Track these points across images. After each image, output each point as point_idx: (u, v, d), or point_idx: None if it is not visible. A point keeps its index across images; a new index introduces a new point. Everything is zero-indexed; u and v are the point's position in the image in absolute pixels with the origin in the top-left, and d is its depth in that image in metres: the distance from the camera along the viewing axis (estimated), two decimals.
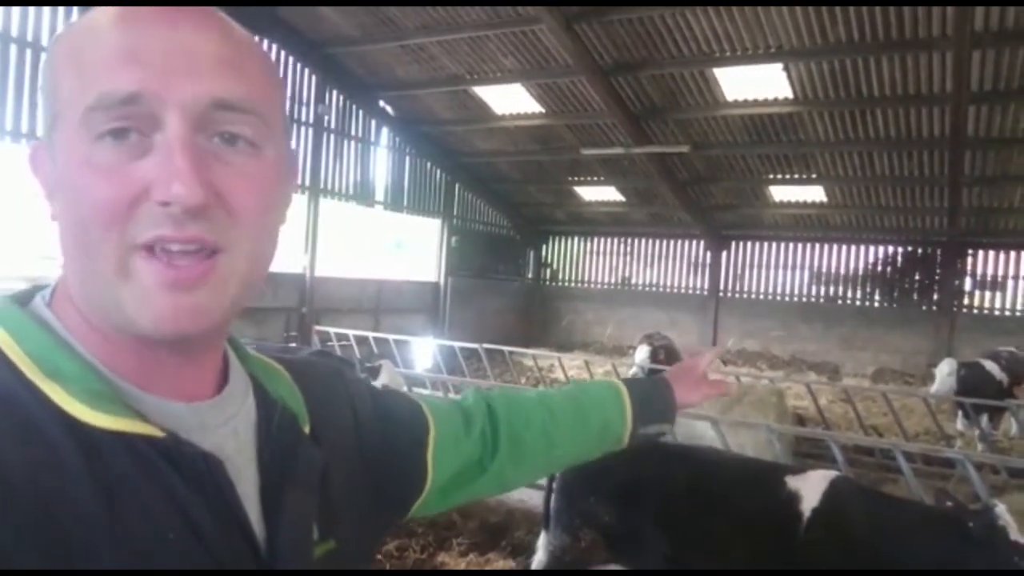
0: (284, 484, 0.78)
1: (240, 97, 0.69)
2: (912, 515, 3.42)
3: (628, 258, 20.59)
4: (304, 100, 14.30)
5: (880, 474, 7.31)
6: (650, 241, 20.23)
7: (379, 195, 16.59)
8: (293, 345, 11.31)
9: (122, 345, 0.70)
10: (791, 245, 18.56)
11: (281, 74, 0.79)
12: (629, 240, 20.48)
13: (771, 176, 15.53)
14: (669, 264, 20.06)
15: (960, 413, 9.46)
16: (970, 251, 16.66)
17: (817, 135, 13.40)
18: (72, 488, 0.62)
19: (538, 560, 4.24)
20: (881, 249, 17.64)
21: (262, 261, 0.74)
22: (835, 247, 18.10)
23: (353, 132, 15.61)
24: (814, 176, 15.08)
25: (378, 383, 6.43)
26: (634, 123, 13.87)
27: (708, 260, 19.31)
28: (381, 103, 15.95)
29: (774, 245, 18.72)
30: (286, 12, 12.48)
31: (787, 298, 18.63)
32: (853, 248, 17.93)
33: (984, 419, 9.15)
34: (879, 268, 17.71)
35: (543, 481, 4.28)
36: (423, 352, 13.61)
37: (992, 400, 8.93)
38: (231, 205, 0.68)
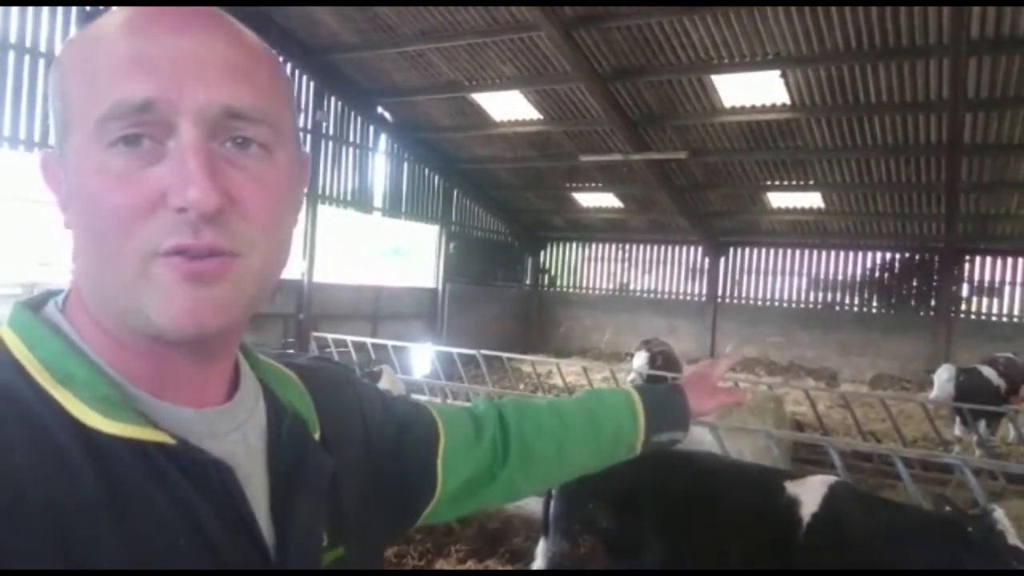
0: (294, 491, 0.78)
1: (251, 106, 0.69)
2: (911, 520, 3.42)
3: (626, 264, 20.61)
4: (302, 106, 14.31)
5: (879, 480, 7.31)
6: (648, 247, 20.25)
7: (377, 201, 16.60)
8: (291, 352, 11.30)
9: (136, 351, 0.70)
10: (789, 251, 18.59)
11: None
12: (627, 246, 20.50)
13: (769, 182, 15.56)
14: (667, 270, 20.08)
15: (958, 419, 9.47)
16: (967, 257, 16.70)
17: (815, 142, 13.44)
18: (83, 494, 0.62)
19: (537, 567, 4.24)
20: (879, 255, 17.68)
21: (276, 264, 0.75)
22: (833, 253, 18.13)
23: (351, 138, 15.63)
24: (812, 183, 15.11)
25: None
26: (632, 130, 13.91)
27: (706, 266, 19.33)
28: (379, 109, 15.98)
29: (772, 251, 18.74)
30: (284, 18, 12.51)
31: (785, 304, 18.65)
32: (851, 254, 17.96)
33: (982, 425, 9.16)
34: (877, 274, 17.74)
35: None
36: (421, 358, 13.60)
37: (990, 406, 8.94)
38: (245, 209, 0.68)
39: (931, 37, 10.08)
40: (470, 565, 5.21)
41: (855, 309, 17.93)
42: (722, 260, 19.14)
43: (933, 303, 16.90)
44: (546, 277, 21.66)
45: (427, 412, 1.10)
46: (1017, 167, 13.02)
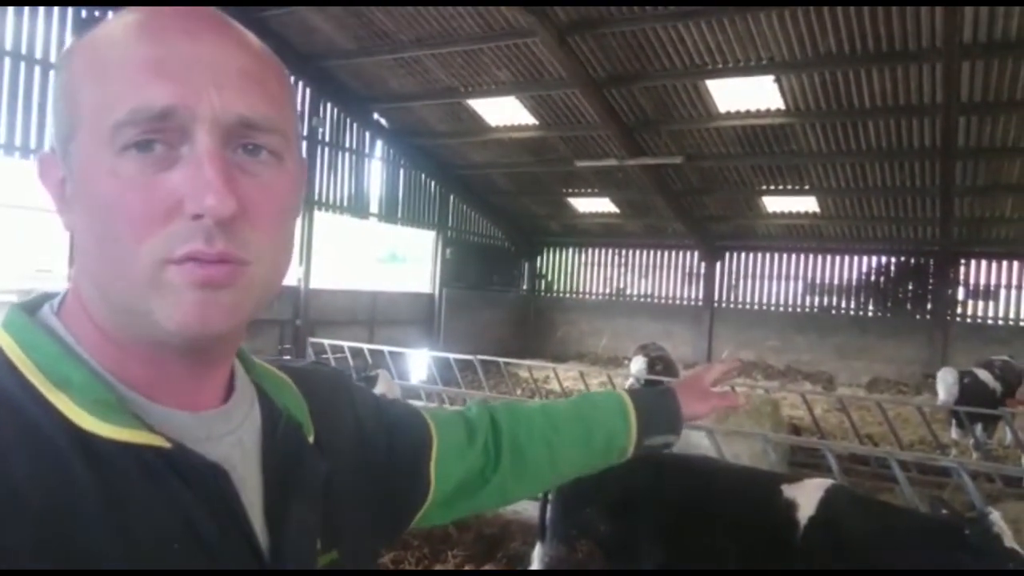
0: (288, 494, 0.78)
1: (264, 114, 0.69)
2: (907, 523, 3.43)
3: (622, 269, 20.62)
4: (298, 112, 14.29)
5: (875, 483, 7.31)
6: (644, 252, 20.27)
7: (373, 207, 16.59)
8: (287, 358, 11.22)
9: (134, 354, 0.70)
10: (785, 255, 18.62)
11: None
12: (623, 251, 20.52)
13: (764, 187, 15.61)
14: (663, 275, 20.09)
15: (954, 422, 9.48)
16: (962, 260, 16.74)
17: (809, 146, 13.48)
18: (79, 497, 0.62)
19: None
20: (874, 259, 17.71)
21: (281, 271, 0.75)
22: (828, 257, 18.17)
23: (347, 144, 15.64)
24: (807, 187, 15.16)
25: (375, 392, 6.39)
26: (627, 135, 13.94)
27: (702, 271, 19.36)
28: (375, 115, 15.98)
29: (768, 255, 18.78)
30: (279, 24, 12.52)
31: (781, 308, 18.68)
32: (846, 258, 18.00)
33: (978, 428, 9.17)
34: (872, 278, 17.78)
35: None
36: (418, 364, 13.59)
37: (986, 409, 8.95)
38: (255, 218, 0.69)
39: (924, 41, 10.13)
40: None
41: (851, 313, 17.96)
42: (718, 264, 19.17)
43: (929, 307, 16.95)
44: (543, 282, 21.66)
45: (420, 416, 1.10)
46: (1011, 170, 13.07)
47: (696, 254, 19.35)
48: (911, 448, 9.22)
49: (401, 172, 17.16)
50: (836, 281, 18.14)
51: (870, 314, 17.74)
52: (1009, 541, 3.08)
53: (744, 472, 4.36)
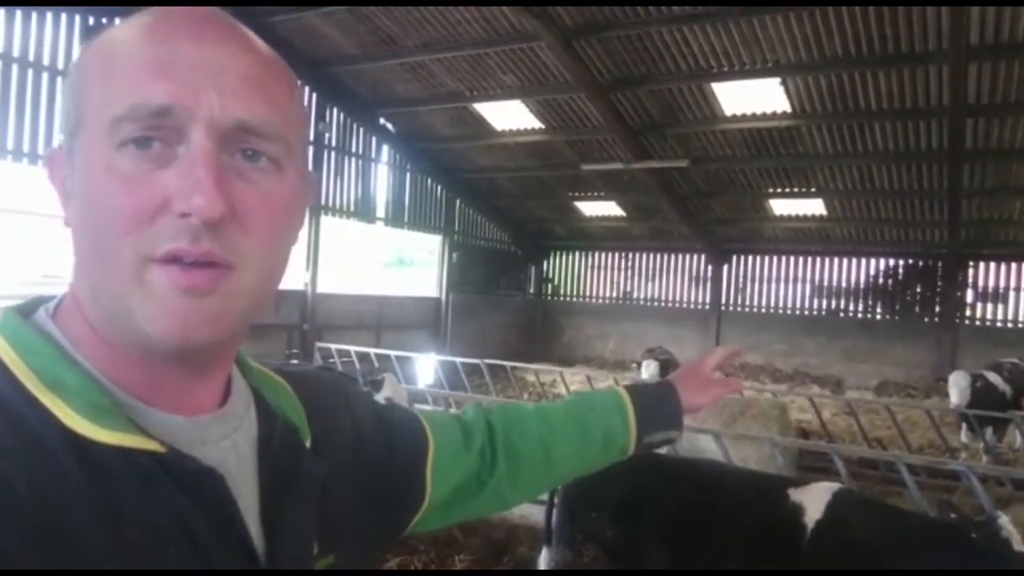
0: (285, 499, 0.78)
1: (264, 121, 0.69)
2: (915, 526, 3.41)
3: (629, 272, 20.59)
4: (306, 120, 14.34)
5: (884, 487, 7.27)
6: (651, 255, 20.23)
7: (380, 212, 16.63)
8: (295, 362, 11.31)
9: (129, 358, 0.70)
10: (792, 258, 18.56)
11: None
12: (630, 255, 20.49)
13: (771, 190, 15.57)
14: (670, 278, 20.05)
15: (964, 426, 9.42)
16: (971, 263, 16.65)
17: (816, 149, 13.45)
18: (73, 501, 0.62)
19: None
20: (882, 262, 17.64)
21: (272, 279, 0.74)
22: (836, 260, 18.09)
23: (354, 149, 15.69)
24: (814, 189, 15.12)
25: (380, 396, 6.41)
26: (633, 138, 13.94)
27: (709, 274, 19.31)
28: (381, 120, 16.03)
29: (775, 258, 18.72)
30: (286, 30, 12.58)
31: (789, 311, 18.61)
32: (854, 261, 17.92)
33: (988, 431, 9.11)
34: (880, 281, 17.70)
35: (545, 496, 4.27)
36: (425, 368, 13.60)
37: (996, 412, 8.89)
38: (246, 222, 0.68)
39: (931, 43, 10.09)
40: None
41: (859, 316, 17.88)
42: (725, 268, 19.13)
43: (937, 309, 16.86)
44: (549, 286, 21.65)
45: (417, 420, 1.09)
46: (1019, 172, 13.00)
47: (703, 257, 19.31)
48: (920, 452, 9.17)
49: (407, 176, 17.19)
50: (844, 284, 18.07)
51: (878, 317, 17.66)
52: (1018, 545, 3.05)
53: (751, 476, 4.34)
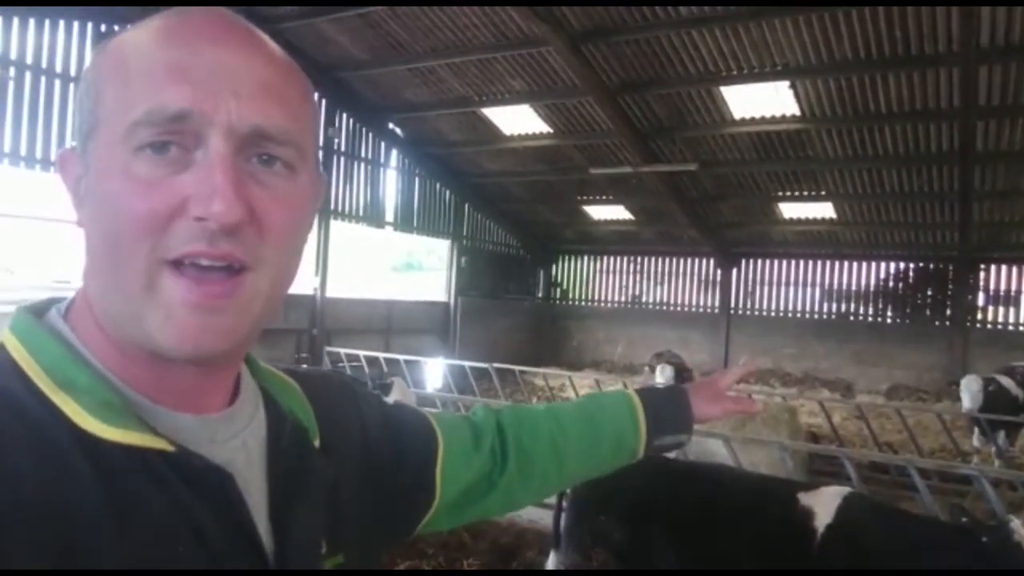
0: (293, 498, 0.78)
1: (281, 127, 0.70)
2: (926, 530, 3.39)
3: (638, 276, 20.56)
4: (320, 127, 14.41)
5: (896, 491, 7.22)
6: (660, 259, 20.20)
7: (389, 216, 16.68)
8: (304, 367, 11.27)
9: (136, 358, 0.70)
10: (802, 262, 18.49)
11: None
12: (639, 258, 20.46)
13: (780, 193, 15.52)
14: (679, 282, 20.00)
15: (976, 430, 9.35)
16: (982, 266, 16.54)
17: (825, 152, 13.40)
18: (82, 499, 0.62)
19: None
20: (892, 265, 17.55)
21: (284, 282, 0.75)
22: (846, 263, 18.01)
23: (363, 154, 15.74)
24: (823, 193, 15.06)
25: (389, 400, 6.42)
26: (642, 142, 13.93)
27: (718, 278, 19.25)
28: (390, 125, 16.08)
29: (784, 262, 18.65)
30: (295, 36, 12.64)
31: (799, 315, 18.53)
32: (864, 264, 17.84)
33: (1000, 435, 9.03)
34: (891, 284, 17.61)
35: (553, 499, 4.26)
36: (434, 372, 13.61)
37: (1008, 416, 8.83)
38: (263, 225, 0.69)
39: (940, 45, 10.04)
40: None
41: (870, 319, 17.79)
42: (734, 271, 19.07)
43: (948, 313, 16.75)
44: (558, 290, 21.64)
45: (426, 421, 1.09)
46: None
47: (712, 261, 19.26)
48: (931, 456, 9.10)
49: (416, 181, 17.23)
50: (854, 287, 17.98)
51: (889, 320, 17.56)
52: None
53: (760, 480, 4.33)
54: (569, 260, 21.53)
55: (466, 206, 18.69)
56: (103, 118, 0.68)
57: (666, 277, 20.18)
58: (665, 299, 20.12)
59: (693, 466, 4.37)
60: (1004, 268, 16.44)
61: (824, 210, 15.99)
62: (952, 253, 16.40)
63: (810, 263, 18.41)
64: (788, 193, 15.44)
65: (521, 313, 20.46)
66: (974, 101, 10.77)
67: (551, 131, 14.60)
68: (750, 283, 19.04)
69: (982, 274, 16.57)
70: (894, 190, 14.34)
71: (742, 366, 1.49)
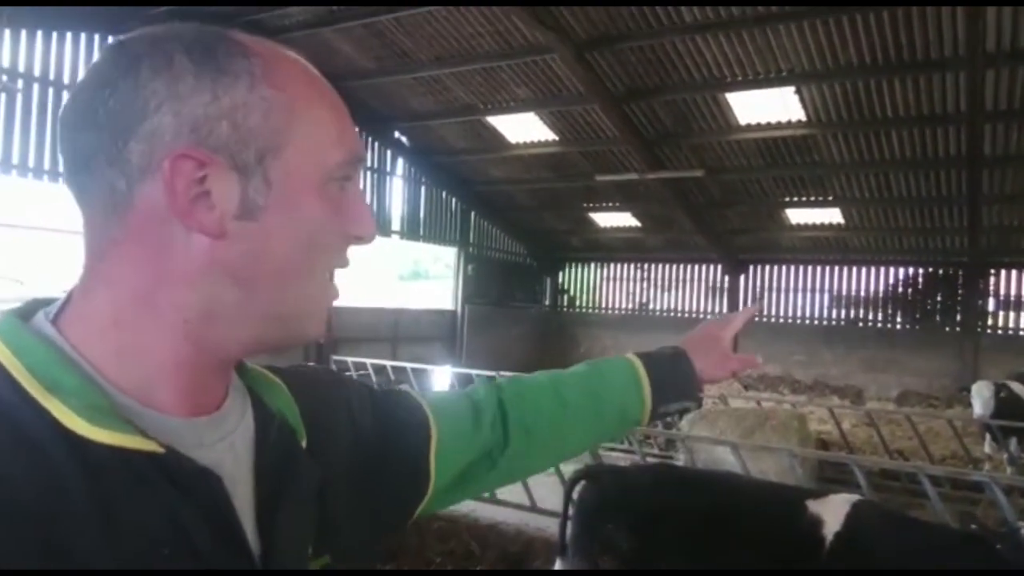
0: (280, 500, 0.78)
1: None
2: (936, 538, 3.35)
3: (645, 283, 20.53)
4: None
5: (906, 499, 7.17)
6: (667, 266, 20.17)
7: (395, 225, 16.73)
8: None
9: (198, 364, 0.74)
10: (810, 268, 18.44)
11: None
12: (646, 265, 20.44)
13: (787, 199, 15.49)
14: (687, 289, 19.97)
15: (988, 436, 9.26)
16: (992, 271, 16.45)
17: (832, 157, 13.37)
18: (69, 501, 0.62)
19: None
20: (901, 270, 17.47)
21: None
22: (855, 269, 17.95)
23: (369, 163, 15.80)
24: (831, 198, 15.02)
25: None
26: (648, 149, 13.93)
27: (726, 284, 19.22)
28: (396, 134, 16.14)
29: (792, 268, 18.60)
30: (301, 46, 12.61)
31: (807, 321, 18.46)
32: (873, 270, 17.77)
33: (1012, 442, 8.95)
34: (900, 290, 17.52)
35: (559, 507, 4.24)
36: (441, 380, 13.59)
37: (1020, 422, 8.74)
38: None
39: (947, 50, 10.02)
40: None
41: (879, 325, 17.70)
42: (742, 278, 19.03)
43: (958, 318, 16.65)
44: (565, 297, 21.63)
45: (418, 407, 1.09)
46: None
47: (719, 268, 19.22)
48: (942, 463, 9.03)
49: (422, 190, 17.28)
50: (863, 293, 17.91)
51: (898, 326, 17.47)
52: None
53: (769, 487, 4.29)
54: (576, 267, 21.53)
55: (472, 214, 18.72)
56: (291, 145, 0.73)
57: (673, 284, 20.15)
58: (672, 306, 20.08)
59: (701, 474, 4.34)
60: (1014, 272, 16.34)
61: (832, 215, 15.94)
62: (961, 258, 16.32)
63: (818, 269, 18.35)
64: (795, 199, 15.41)
65: (528, 321, 20.45)
66: (981, 105, 10.74)
67: (557, 139, 14.63)
68: (758, 290, 18.99)
69: (992, 279, 16.48)
70: (902, 195, 14.29)
71: (745, 311, 1.50)
